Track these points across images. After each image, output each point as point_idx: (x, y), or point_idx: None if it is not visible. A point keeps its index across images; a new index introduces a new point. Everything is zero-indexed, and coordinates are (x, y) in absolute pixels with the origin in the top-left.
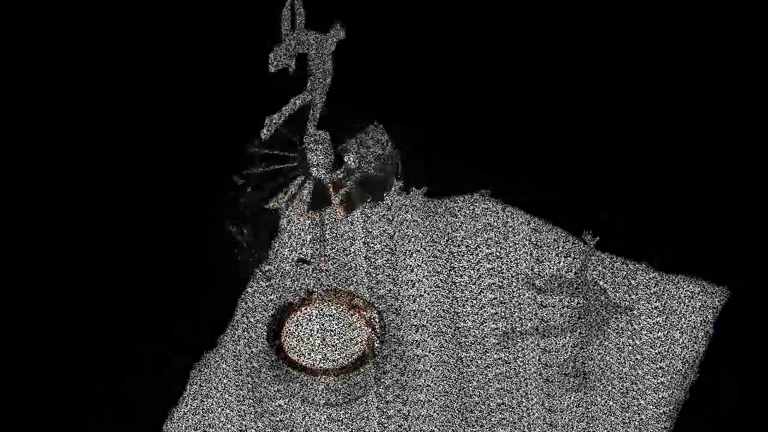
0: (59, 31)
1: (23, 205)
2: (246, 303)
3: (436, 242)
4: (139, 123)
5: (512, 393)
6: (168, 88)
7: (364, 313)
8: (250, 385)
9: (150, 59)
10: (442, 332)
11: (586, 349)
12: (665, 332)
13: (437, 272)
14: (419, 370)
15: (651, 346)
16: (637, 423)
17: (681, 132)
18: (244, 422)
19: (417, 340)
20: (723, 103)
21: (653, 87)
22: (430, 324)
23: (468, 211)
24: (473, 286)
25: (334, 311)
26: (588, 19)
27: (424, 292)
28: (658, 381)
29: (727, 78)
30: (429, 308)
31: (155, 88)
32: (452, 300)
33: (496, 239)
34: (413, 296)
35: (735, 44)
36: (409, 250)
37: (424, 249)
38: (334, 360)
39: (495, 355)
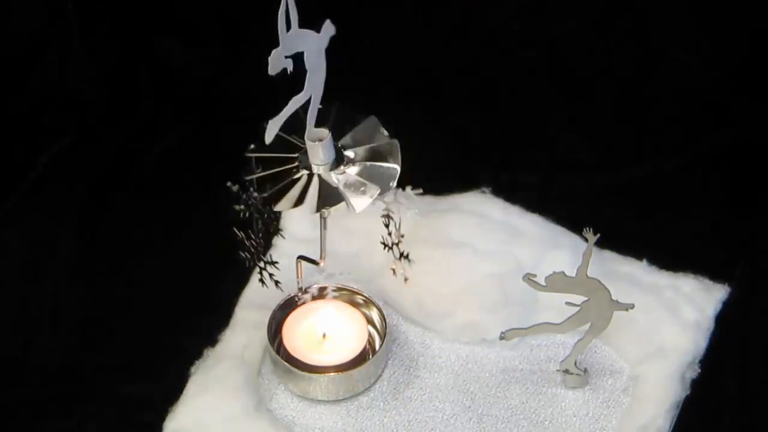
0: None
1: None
2: (246, 300)
3: (436, 240)
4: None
5: (515, 390)
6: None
7: (365, 310)
8: (250, 384)
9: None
10: (443, 329)
11: (585, 346)
12: (665, 329)
13: (437, 270)
14: (420, 368)
15: (651, 343)
16: (637, 421)
17: (680, 130)
18: (244, 421)
19: (418, 338)
20: (721, 101)
21: (653, 84)
22: (431, 321)
23: (468, 209)
24: (473, 285)
25: (334, 308)
26: (587, 19)
27: (425, 289)
28: (659, 378)
29: (722, 77)
30: (429, 305)
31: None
32: (453, 297)
33: (497, 237)
34: (414, 294)
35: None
36: (409, 248)
37: (424, 247)
38: (334, 357)
39: (497, 352)
